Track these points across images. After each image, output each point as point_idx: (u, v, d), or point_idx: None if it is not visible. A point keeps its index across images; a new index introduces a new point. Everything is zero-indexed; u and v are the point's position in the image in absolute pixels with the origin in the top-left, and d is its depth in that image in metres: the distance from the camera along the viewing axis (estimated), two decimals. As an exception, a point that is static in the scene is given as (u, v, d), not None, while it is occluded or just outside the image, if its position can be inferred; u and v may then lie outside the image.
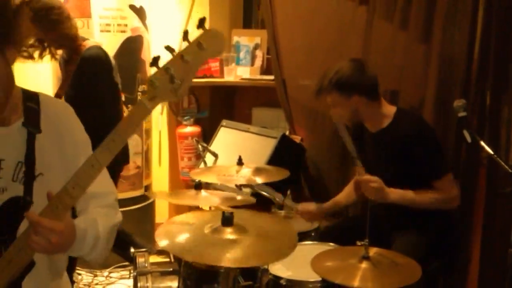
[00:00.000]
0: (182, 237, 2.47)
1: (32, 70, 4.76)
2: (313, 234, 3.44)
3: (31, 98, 2.05)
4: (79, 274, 4.58)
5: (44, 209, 1.78)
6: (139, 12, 4.76)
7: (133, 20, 4.70)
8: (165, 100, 1.77)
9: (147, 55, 4.84)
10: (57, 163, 2.05)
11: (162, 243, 2.47)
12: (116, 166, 3.92)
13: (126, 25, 4.66)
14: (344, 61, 3.28)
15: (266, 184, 3.54)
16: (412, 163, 3.03)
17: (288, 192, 3.91)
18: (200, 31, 1.71)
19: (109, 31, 4.56)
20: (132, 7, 4.68)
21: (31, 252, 1.84)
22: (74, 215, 2.03)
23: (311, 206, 3.55)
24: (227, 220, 2.46)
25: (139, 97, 4.65)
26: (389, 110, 3.18)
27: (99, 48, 3.78)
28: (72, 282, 3.98)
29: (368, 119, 3.25)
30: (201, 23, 1.74)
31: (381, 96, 3.20)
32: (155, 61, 1.73)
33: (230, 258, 2.36)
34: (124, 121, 1.80)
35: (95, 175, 1.78)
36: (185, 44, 1.69)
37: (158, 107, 5.21)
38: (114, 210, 2.13)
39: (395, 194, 3.02)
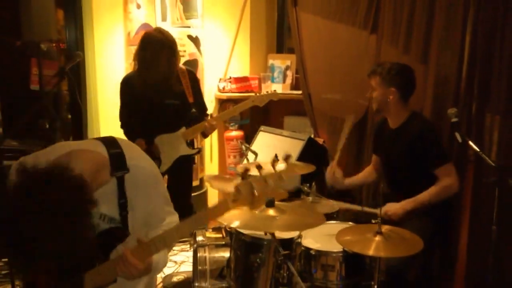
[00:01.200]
0: (235, 217, 2.48)
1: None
2: (335, 215, 3.40)
3: (121, 167, 1.97)
4: None
5: (134, 248, 1.85)
6: (195, 41, 4.83)
7: (190, 47, 4.77)
8: (242, 206, 1.77)
9: (201, 74, 4.91)
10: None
11: (221, 221, 2.54)
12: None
13: (185, 51, 4.73)
14: (399, 63, 3.29)
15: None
16: (422, 152, 3.04)
17: (313, 183, 3.93)
18: (286, 166, 1.78)
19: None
20: (189, 37, 4.75)
21: (115, 274, 1.90)
22: None
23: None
24: (270, 203, 2.52)
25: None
26: (407, 111, 3.21)
27: None
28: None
29: (393, 112, 3.26)
30: (287, 158, 1.84)
31: (409, 101, 3.22)
32: (245, 173, 1.73)
33: (273, 229, 2.46)
34: (208, 210, 1.87)
35: (177, 239, 1.88)
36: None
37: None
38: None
39: (407, 203, 3.06)
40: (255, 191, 1.69)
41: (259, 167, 1.75)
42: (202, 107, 3.93)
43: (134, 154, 2.07)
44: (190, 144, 3.83)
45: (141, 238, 1.87)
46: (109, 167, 1.92)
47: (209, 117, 3.71)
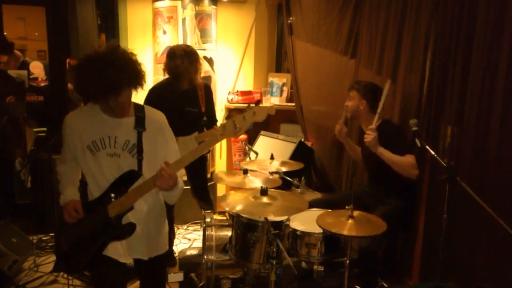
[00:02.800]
0: (236, 203, 2.54)
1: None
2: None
3: (139, 109, 2.25)
4: None
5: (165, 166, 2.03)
6: (209, 61, 4.85)
7: (206, 66, 4.78)
8: (229, 136, 2.02)
9: (213, 88, 4.91)
10: (153, 150, 2.21)
11: (226, 207, 2.60)
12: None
13: (201, 69, 4.77)
14: (373, 83, 3.34)
15: (287, 172, 3.59)
16: (391, 148, 3.04)
17: (302, 177, 3.95)
18: (257, 106, 2.00)
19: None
20: (205, 58, 4.76)
21: (134, 201, 2.12)
22: None
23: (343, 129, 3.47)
24: (264, 191, 2.56)
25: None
26: (379, 120, 3.17)
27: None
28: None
29: (363, 119, 3.29)
30: (257, 103, 2.01)
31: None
32: (229, 115, 2.02)
33: (267, 213, 2.49)
34: (204, 143, 2.06)
35: (191, 160, 2.05)
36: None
37: (219, 121, 5.30)
38: (182, 179, 2.24)
39: (382, 149, 3.04)
40: (237, 124, 1.94)
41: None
42: (213, 117, 3.86)
43: (150, 109, 2.32)
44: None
45: (166, 161, 2.04)
46: (133, 108, 2.24)
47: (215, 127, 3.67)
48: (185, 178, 3.89)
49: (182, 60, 3.51)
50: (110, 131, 2.17)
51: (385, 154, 3.03)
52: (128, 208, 2.12)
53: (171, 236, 4.01)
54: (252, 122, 1.99)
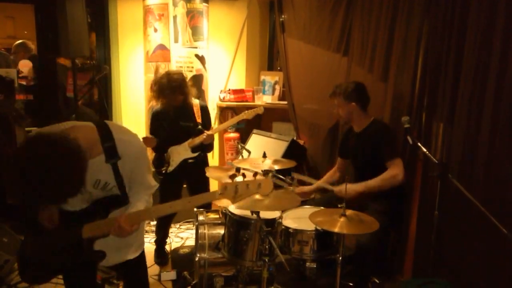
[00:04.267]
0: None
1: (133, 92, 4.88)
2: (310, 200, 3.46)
3: (106, 138, 1.98)
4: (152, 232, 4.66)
5: (126, 216, 1.93)
6: (201, 59, 4.85)
7: (197, 64, 4.79)
8: (227, 199, 1.87)
9: (205, 86, 4.94)
10: (131, 172, 2.07)
11: (218, 204, 2.61)
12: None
13: (192, 67, 4.75)
14: (352, 81, 3.33)
15: (280, 170, 3.59)
16: (377, 148, 3.07)
17: (293, 176, 3.94)
18: (264, 179, 1.87)
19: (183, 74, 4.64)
20: (196, 56, 4.77)
21: (109, 231, 1.96)
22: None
23: (304, 188, 3.47)
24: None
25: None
26: (369, 118, 3.23)
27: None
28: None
29: (356, 120, 3.27)
30: (266, 173, 1.94)
31: (367, 110, 3.25)
32: (233, 176, 1.87)
33: (260, 209, 2.51)
34: (198, 196, 1.95)
35: (164, 214, 2.00)
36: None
37: (211, 120, 5.30)
38: (151, 198, 2.16)
39: (358, 185, 3.04)
40: (238, 191, 1.81)
41: (243, 175, 1.88)
42: (208, 126, 3.95)
43: (121, 130, 2.08)
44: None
45: (125, 216, 1.93)
46: (100, 141, 1.95)
47: (205, 132, 3.76)
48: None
49: (177, 76, 3.70)
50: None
51: (365, 189, 3.04)
52: (103, 235, 2.01)
53: (164, 235, 4.04)
54: (253, 195, 1.88)
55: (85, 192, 2.01)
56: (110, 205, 2.06)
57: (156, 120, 3.85)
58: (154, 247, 4.02)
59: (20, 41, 5.22)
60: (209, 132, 3.78)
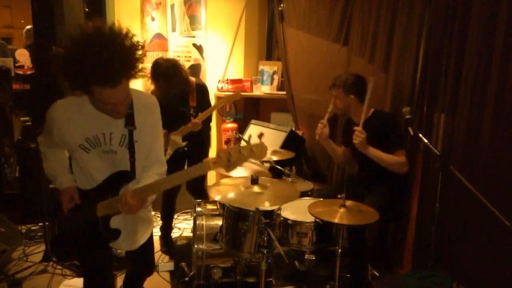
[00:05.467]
0: (227, 192, 2.51)
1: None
2: (309, 193, 3.43)
3: (129, 105, 2.00)
4: (158, 216, 4.64)
5: (133, 191, 1.92)
6: (199, 48, 4.81)
7: (195, 53, 4.75)
8: (221, 168, 1.79)
9: (203, 76, 4.89)
10: (144, 135, 2.07)
11: (215, 196, 2.52)
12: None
13: (190, 57, 4.71)
14: (353, 73, 3.26)
15: (278, 161, 3.57)
16: (383, 139, 3.01)
17: (293, 166, 3.93)
18: (258, 142, 1.80)
19: (179, 60, 4.60)
20: (194, 45, 4.73)
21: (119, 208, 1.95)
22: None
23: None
24: (254, 181, 2.53)
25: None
26: (370, 110, 3.15)
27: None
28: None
29: (355, 113, 3.21)
30: (260, 136, 1.99)
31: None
32: (227, 143, 1.82)
33: (258, 202, 2.45)
34: (191, 168, 1.88)
35: (167, 188, 1.93)
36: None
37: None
38: (163, 176, 2.13)
39: (372, 149, 2.99)
40: (231, 158, 1.73)
41: (239, 139, 1.83)
42: (206, 106, 3.83)
43: (143, 97, 2.13)
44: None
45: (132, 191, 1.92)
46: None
47: (192, 119, 3.66)
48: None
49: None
50: (105, 127, 2.00)
51: (375, 154, 3.00)
52: (116, 212, 2.03)
53: (169, 222, 4.04)
54: (247, 160, 1.82)
55: (111, 152, 2.04)
56: (119, 182, 2.06)
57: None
58: (157, 237, 4.00)
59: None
60: (195, 120, 3.66)
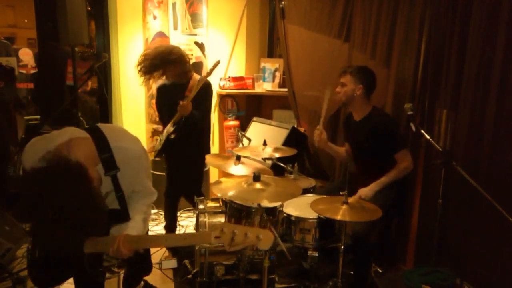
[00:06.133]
0: (229, 189, 2.48)
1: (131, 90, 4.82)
2: (311, 190, 3.40)
3: (103, 149, 1.92)
4: (161, 214, 4.57)
5: (126, 239, 1.85)
6: (200, 46, 4.77)
7: (197, 51, 4.71)
8: (222, 243, 1.73)
9: (205, 73, 4.85)
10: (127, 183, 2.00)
11: (218, 193, 2.50)
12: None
13: (192, 55, 4.66)
14: (366, 66, 3.22)
15: (280, 158, 3.52)
16: (383, 140, 2.99)
17: (295, 163, 3.90)
18: (264, 231, 1.72)
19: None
20: (196, 43, 4.69)
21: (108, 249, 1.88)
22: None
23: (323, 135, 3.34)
24: (256, 178, 2.49)
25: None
26: (369, 106, 3.14)
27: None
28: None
29: (357, 106, 3.18)
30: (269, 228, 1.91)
31: (370, 98, 3.16)
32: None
33: (260, 199, 2.43)
34: (190, 235, 1.92)
35: (161, 246, 1.92)
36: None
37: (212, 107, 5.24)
38: (150, 208, 2.13)
39: (374, 185, 2.99)
40: (235, 238, 1.67)
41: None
42: (200, 104, 3.67)
43: (118, 136, 2.00)
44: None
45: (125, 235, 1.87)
46: (96, 152, 1.88)
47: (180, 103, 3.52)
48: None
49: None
50: None
51: (381, 185, 3.00)
52: (104, 252, 1.99)
53: (173, 220, 4.01)
54: (251, 246, 1.76)
55: None
56: (110, 220, 1.96)
57: (161, 95, 3.76)
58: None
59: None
60: (182, 102, 3.51)
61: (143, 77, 3.62)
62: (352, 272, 2.96)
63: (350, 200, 2.58)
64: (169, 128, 3.66)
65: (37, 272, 2.12)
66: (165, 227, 4.01)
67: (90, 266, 2.00)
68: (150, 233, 3.63)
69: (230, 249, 1.72)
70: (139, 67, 3.59)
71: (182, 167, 3.81)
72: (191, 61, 4.58)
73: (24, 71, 5.95)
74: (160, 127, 4.35)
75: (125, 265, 2.68)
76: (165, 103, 3.76)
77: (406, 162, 2.98)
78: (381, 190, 3.02)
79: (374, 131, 3.03)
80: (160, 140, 3.76)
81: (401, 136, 3.08)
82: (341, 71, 3.23)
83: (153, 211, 4.44)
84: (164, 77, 3.67)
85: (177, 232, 4.15)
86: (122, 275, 2.69)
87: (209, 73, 3.69)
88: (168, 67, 3.58)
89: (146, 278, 2.94)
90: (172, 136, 3.64)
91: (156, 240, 1.92)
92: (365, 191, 2.99)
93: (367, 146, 3.13)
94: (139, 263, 2.44)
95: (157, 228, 4.31)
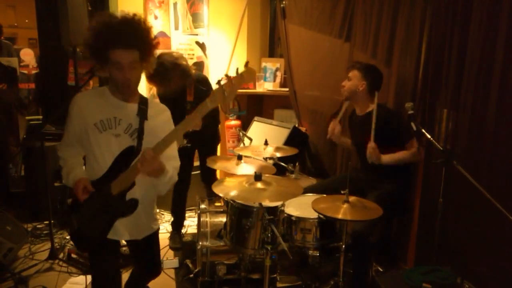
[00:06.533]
0: (231, 189, 2.48)
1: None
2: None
3: (143, 102, 2.26)
4: (163, 214, 4.63)
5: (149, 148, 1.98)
6: (202, 46, 4.79)
7: (198, 51, 4.74)
8: (219, 102, 1.91)
9: (205, 73, 4.85)
10: (152, 140, 2.09)
11: (220, 193, 2.49)
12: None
13: (193, 54, 4.69)
14: (375, 65, 3.25)
15: (282, 157, 3.55)
16: (392, 134, 3.00)
17: (297, 163, 3.92)
18: (244, 68, 1.92)
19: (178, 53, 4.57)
20: (197, 43, 4.71)
21: (135, 175, 2.04)
22: None
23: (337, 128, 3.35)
24: (258, 177, 2.50)
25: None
26: (373, 103, 3.10)
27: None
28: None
29: (360, 101, 3.21)
30: (246, 64, 2.00)
31: (373, 96, 3.14)
32: (218, 82, 2.04)
33: (261, 199, 2.42)
34: (194, 112, 1.93)
35: (173, 141, 2.02)
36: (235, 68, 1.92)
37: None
38: (176, 171, 2.25)
39: (386, 157, 2.99)
40: (225, 91, 1.88)
41: (227, 77, 2.01)
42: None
43: (156, 105, 2.37)
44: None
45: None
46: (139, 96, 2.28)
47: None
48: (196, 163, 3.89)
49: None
50: (116, 112, 2.20)
51: (391, 160, 3.00)
52: (130, 185, 2.10)
53: (180, 216, 4.05)
54: (240, 85, 1.93)
55: (119, 136, 2.18)
56: (128, 157, 2.12)
57: (162, 101, 3.68)
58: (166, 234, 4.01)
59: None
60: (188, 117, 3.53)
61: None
62: (352, 271, 2.95)
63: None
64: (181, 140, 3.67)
65: (79, 240, 2.31)
66: (172, 224, 4.03)
67: (121, 200, 2.13)
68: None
69: (227, 101, 1.92)
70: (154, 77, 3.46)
71: (206, 153, 3.81)
72: (192, 61, 4.61)
73: (25, 72, 5.95)
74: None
75: (130, 262, 2.67)
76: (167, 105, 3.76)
77: (414, 148, 2.97)
78: (380, 187, 3.03)
79: (381, 125, 3.01)
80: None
81: (407, 128, 3.05)
82: (350, 66, 3.27)
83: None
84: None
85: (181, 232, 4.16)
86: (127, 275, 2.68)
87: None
88: (171, 83, 3.49)
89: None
90: (187, 144, 3.73)
91: (168, 137, 2.00)
92: (376, 153, 2.97)
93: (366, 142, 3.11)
94: (146, 257, 2.47)
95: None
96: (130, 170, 2.08)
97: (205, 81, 3.78)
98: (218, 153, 5.35)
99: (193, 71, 3.65)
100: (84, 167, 2.30)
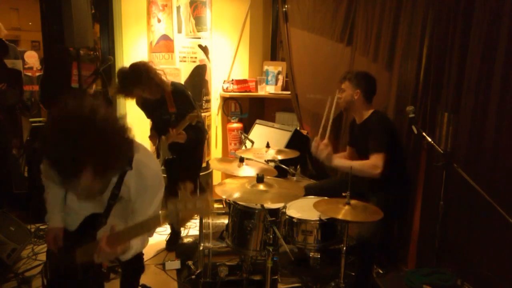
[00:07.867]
0: (233, 191, 2.49)
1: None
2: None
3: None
4: None
5: (108, 236, 1.74)
6: (204, 49, 4.78)
7: (201, 54, 4.72)
8: (168, 222, 1.63)
9: (209, 77, 4.89)
10: (130, 194, 1.98)
11: (222, 195, 2.50)
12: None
13: (196, 58, 4.68)
14: (364, 71, 3.25)
15: (283, 160, 3.56)
16: (368, 136, 3.00)
17: (298, 165, 3.92)
18: (202, 198, 1.61)
19: (185, 61, 4.60)
20: (200, 46, 4.70)
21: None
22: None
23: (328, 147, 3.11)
24: (260, 179, 2.52)
25: (203, 104, 4.76)
26: (370, 110, 3.15)
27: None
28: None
29: (357, 110, 3.20)
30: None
31: (371, 102, 3.17)
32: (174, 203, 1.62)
33: (263, 200, 2.45)
34: (148, 220, 1.74)
35: (143, 233, 1.80)
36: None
37: (215, 110, 5.27)
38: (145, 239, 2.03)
39: (340, 160, 3.03)
40: (180, 213, 1.58)
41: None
42: (184, 115, 3.50)
43: (145, 155, 2.02)
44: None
45: (113, 226, 1.77)
46: None
47: (170, 131, 3.46)
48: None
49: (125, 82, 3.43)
50: None
51: (343, 165, 3.01)
52: (92, 259, 1.84)
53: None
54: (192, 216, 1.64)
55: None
56: (94, 225, 2.00)
57: (143, 109, 3.81)
58: (163, 237, 4.01)
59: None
60: (172, 132, 3.48)
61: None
62: (353, 273, 2.96)
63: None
64: (165, 150, 3.67)
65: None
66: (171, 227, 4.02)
67: (83, 275, 2.02)
68: (155, 235, 3.67)
69: (180, 226, 1.70)
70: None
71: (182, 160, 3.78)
72: (195, 64, 4.62)
73: (29, 74, 5.97)
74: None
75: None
76: (149, 116, 3.85)
77: (377, 162, 2.88)
78: (381, 192, 3.01)
79: (369, 132, 3.03)
80: (161, 154, 3.73)
81: (383, 139, 2.97)
82: (341, 78, 3.26)
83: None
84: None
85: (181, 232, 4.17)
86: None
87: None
88: (134, 90, 3.45)
89: (149, 278, 2.95)
90: (173, 156, 3.69)
91: (135, 228, 1.76)
92: (327, 151, 2.99)
93: (364, 148, 3.11)
94: (133, 263, 2.43)
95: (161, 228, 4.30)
96: (93, 245, 1.83)
97: (182, 92, 3.66)
98: (220, 156, 5.39)
99: (163, 78, 3.53)
100: (61, 214, 2.20)
